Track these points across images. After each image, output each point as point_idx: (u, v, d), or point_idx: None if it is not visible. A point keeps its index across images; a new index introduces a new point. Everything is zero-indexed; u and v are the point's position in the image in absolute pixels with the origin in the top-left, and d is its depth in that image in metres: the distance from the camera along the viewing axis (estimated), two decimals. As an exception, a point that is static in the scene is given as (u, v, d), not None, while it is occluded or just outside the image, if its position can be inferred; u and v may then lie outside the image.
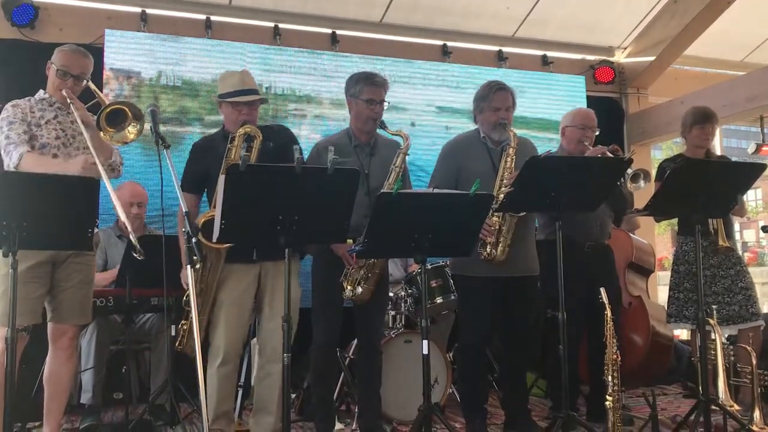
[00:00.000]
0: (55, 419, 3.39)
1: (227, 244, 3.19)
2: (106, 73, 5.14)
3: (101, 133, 3.17)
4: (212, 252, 3.27)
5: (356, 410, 3.97)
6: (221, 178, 2.69)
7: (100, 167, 3.16)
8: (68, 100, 3.30)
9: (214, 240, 2.82)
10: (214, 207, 3.32)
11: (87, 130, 3.22)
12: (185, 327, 3.50)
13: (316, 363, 3.68)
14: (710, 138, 4.40)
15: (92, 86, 3.44)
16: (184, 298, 3.45)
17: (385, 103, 3.70)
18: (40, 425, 3.99)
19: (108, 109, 3.16)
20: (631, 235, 5.31)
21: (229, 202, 2.69)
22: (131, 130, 3.22)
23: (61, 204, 2.77)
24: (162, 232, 3.43)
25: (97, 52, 5.16)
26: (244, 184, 2.69)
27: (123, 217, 3.04)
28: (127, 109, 3.19)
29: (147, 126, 3.17)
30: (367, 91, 3.65)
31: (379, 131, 3.74)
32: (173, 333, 3.80)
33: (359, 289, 3.54)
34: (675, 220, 4.80)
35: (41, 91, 3.45)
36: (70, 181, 3.03)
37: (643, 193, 3.90)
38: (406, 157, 3.70)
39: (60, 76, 3.36)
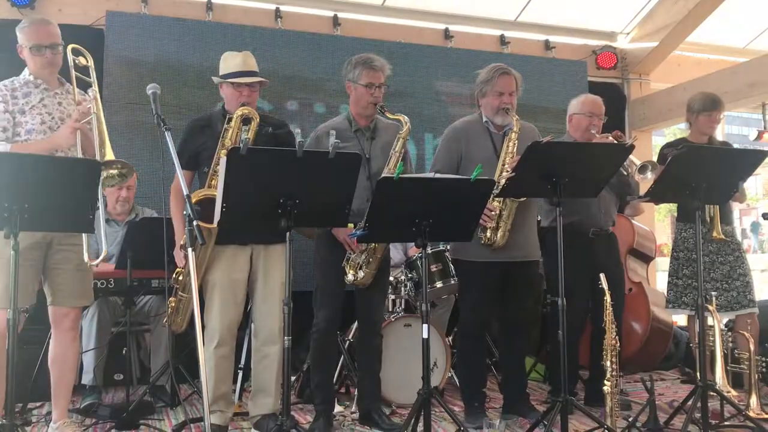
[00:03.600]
0: (65, 399, 3.39)
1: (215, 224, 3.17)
2: (107, 55, 5.11)
3: None
4: (204, 231, 3.27)
5: (356, 393, 3.99)
6: (222, 160, 2.69)
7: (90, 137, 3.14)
8: (92, 111, 3.18)
9: (215, 223, 2.83)
10: (207, 186, 3.34)
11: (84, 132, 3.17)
12: (173, 304, 3.52)
13: (316, 346, 3.69)
14: (716, 125, 4.41)
15: (89, 63, 3.34)
16: (173, 275, 3.47)
17: (384, 87, 3.69)
18: (41, 406, 4.03)
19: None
20: (633, 221, 5.31)
21: (229, 185, 2.69)
22: (110, 173, 3.12)
23: (62, 186, 2.76)
24: (163, 214, 3.43)
25: (97, 33, 5.17)
26: (245, 167, 2.69)
27: None
28: (119, 166, 3.11)
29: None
30: (365, 74, 3.63)
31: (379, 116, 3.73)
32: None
33: (361, 274, 3.56)
34: (674, 207, 4.81)
35: (26, 71, 3.33)
36: (71, 163, 3.03)
37: (648, 183, 3.89)
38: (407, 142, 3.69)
39: (36, 53, 3.26)
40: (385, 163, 3.62)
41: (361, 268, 3.57)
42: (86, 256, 3.17)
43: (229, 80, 3.48)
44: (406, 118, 3.61)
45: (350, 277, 3.57)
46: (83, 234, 3.17)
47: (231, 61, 3.51)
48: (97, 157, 3.14)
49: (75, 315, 3.39)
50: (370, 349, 3.79)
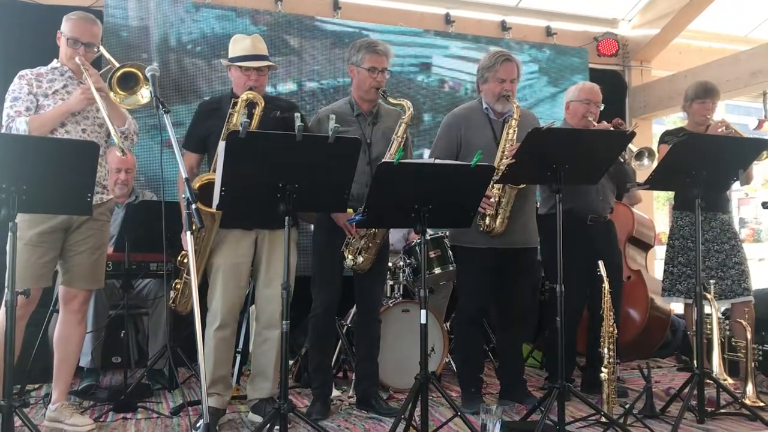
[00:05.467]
0: (65, 382, 3.42)
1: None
2: (106, 36, 5.07)
3: (112, 95, 3.15)
4: (207, 216, 3.28)
5: (353, 377, 4.00)
6: (221, 144, 2.68)
7: (108, 122, 3.18)
8: (81, 67, 3.26)
9: (214, 207, 2.82)
10: (213, 171, 3.33)
11: (100, 96, 3.19)
12: (179, 286, 3.56)
13: (314, 331, 3.71)
14: (710, 113, 4.37)
15: (105, 53, 3.38)
16: (179, 258, 3.49)
17: (387, 72, 3.67)
18: (39, 388, 4.04)
19: (119, 72, 3.13)
20: (633, 209, 5.31)
21: (228, 169, 2.68)
22: (144, 94, 3.19)
23: (60, 168, 2.76)
24: (162, 197, 3.43)
25: (96, 15, 5.12)
26: (244, 151, 2.68)
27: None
28: (139, 72, 3.16)
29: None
30: (369, 59, 3.61)
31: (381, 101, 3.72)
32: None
33: (360, 259, 3.56)
34: (673, 195, 4.79)
35: (54, 60, 3.40)
36: (69, 144, 3.03)
37: (644, 170, 3.90)
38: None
39: (71, 45, 3.32)
40: (386, 148, 3.61)
41: (360, 254, 3.57)
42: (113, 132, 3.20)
43: (237, 63, 3.45)
44: (408, 103, 3.59)
45: (349, 262, 3.57)
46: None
47: (240, 44, 3.48)
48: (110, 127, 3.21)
49: (84, 297, 3.43)
50: (368, 334, 3.80)
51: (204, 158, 3.61)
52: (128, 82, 3.17)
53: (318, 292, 3.67)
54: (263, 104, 3.38)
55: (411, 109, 3.58)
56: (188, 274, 3.42)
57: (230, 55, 3.50)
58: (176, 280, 3.58)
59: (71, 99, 3.26)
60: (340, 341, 4.31)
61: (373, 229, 3.54)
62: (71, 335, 3.39)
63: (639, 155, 3.92)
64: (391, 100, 3.61)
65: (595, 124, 4.02)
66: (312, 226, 3.92)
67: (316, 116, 3.73)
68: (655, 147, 4.31)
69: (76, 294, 3.37)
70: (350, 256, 3.57)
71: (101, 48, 3.41)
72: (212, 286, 3.46)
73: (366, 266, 3.59)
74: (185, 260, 3.44)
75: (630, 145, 3.82)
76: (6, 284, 2.76)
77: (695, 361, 3.55)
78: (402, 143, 3.58)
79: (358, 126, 3.65)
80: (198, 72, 5.32)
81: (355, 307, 4.33)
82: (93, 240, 3.34)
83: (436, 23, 6.27)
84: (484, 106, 3.82)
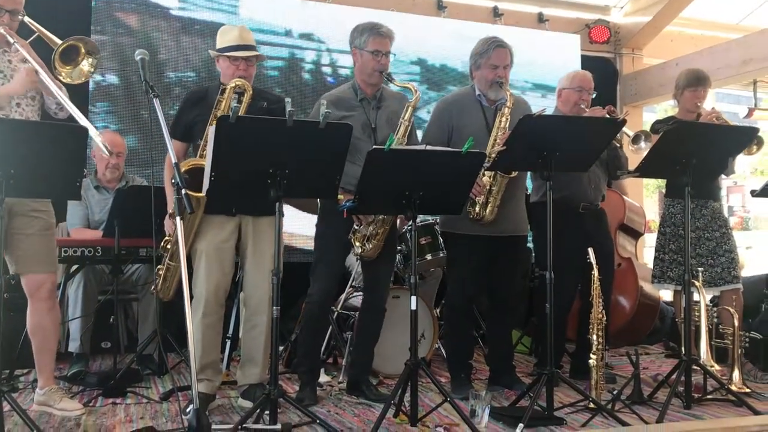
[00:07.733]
0: (48, 368, 3.36)
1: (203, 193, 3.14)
2: (95, 19, 5.05)
3: (63, 75, 3.05)
4: (192, 200, 3.26)
5: (343, 363, 4.00)
6: (210, 129, 2.66)
7: (60, 97, 3.09)
8: (9, 39, 3.10)
9: (204, 192, 2.81)
10: (200, 156, 3.32)
11: (43, 72, 3.08)
12: (161, 272, 3.54)
13: (308, 317, 3.68)
14: (701, 101, 4.36)
15: (30, 21, 3.23)
16: (162, 243, 3.47)
17: (391, 55, 3.65)
18: (27, 373, 4.03)
19: (61, 48, 3.01)
20: (624, 197, 5.33)
21: (218, 154, 2.67)
22: (85, 65, 3.08)
23: (49, 152, 2.73)
24: (151, 182, 3.41)
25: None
26: (234, 136, 2.67)
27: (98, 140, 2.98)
28: (80, 45, 3.06)
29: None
30: (372, 41, 3.57)
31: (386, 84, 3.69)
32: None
33: (369, 246, 3.51)
34: (663, 183, 4.80)
35: None
36: (58, 128, 2.99)
37: (636, 158, 3.90)
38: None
39: None
40: (391, 131, 3.55)
41: (368, 241, 3.54)
42: None
43: (226, 54, 3.43)
44: (415, 86, 3.58)
45: (357, 249, 3.52)
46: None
47: (228, 35, 3.47)
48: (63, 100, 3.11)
49: (51, 283, 3.32)
50: (372, 323, 3.77)
51: (189, 148, 3.56)
52: (69, 55, 3.06)
53: (317, 279, 3.63)
54: (251, 92, 3.37)
55: (418, 92, 3.56)
56: (171, 259, 3.43)
57: (218, 46, 3.49)
58: (158, 267, 3.54)
59: (15, 83, 3.12)
60: (330, 327, 4.31)
61: (381, 215, 3.51)
62: (45, 324, 3.30)
63: (636, 139, 3.92)
64: (397, 84, 3.59)
65: (588, 111, 4.02)
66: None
67: (318, 102, 3.70)
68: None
69: (43, 281, 3.25)
70: (358, 244, 3.53)
71: (27, 18, 3.23)
72: (196, 271, 3.41)
73: (374, 254, 3.55)
74: (167, 246, 3.42)
75: (626, 130, 3.82)
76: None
77: (683, 348, 3.57)
78: (409, 127, 3.56)
79: (362, 110, 3.61)
80: (189, 57, 5.31)
81: (345, 293, 4.35)
82: (41, 222, 3.22)
83: (427, 8, 6.24)
84: (477, 92, 3.81)
